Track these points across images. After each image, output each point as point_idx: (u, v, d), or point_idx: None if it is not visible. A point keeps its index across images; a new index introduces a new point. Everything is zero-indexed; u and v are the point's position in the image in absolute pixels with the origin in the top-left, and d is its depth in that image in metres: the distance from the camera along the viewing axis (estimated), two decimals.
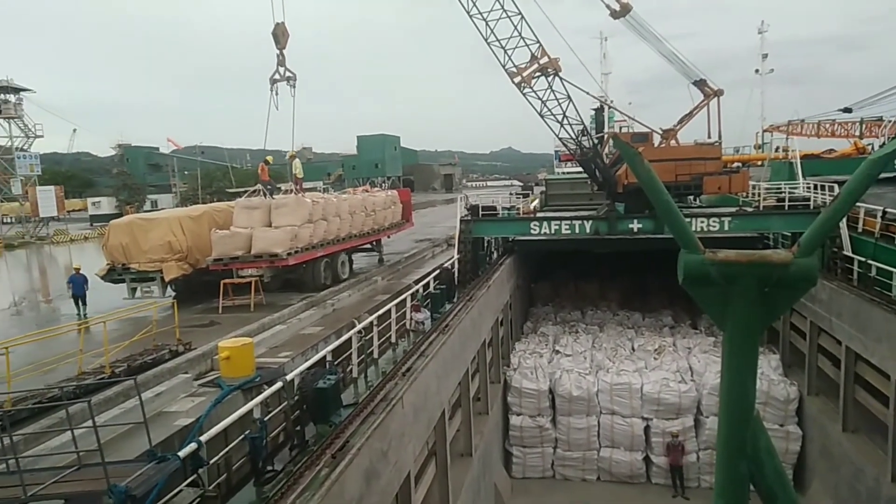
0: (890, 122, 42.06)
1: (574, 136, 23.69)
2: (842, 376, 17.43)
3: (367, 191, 30.15)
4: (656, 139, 26.85)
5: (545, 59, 22.91)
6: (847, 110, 44.91)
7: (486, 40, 22.61)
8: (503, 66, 22.91)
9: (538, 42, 22.83)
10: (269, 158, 24.83)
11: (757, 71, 59.99)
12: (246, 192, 23.75)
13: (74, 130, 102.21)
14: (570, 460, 21.65)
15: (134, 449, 8.43)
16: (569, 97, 23.30)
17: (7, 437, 7.40)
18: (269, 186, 23.36)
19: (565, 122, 23.34)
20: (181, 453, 6.96)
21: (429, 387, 12.35)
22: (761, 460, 3.55)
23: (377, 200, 26.94)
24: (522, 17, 22.44)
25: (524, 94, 23.15)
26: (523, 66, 22.97)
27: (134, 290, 19.41)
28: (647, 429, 21.11)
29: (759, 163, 46.92)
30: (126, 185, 79.55)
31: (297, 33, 21.94)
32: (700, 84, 27.27)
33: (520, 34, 22.56)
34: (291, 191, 24.16)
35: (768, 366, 21.22)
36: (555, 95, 23.12)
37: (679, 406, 20.79)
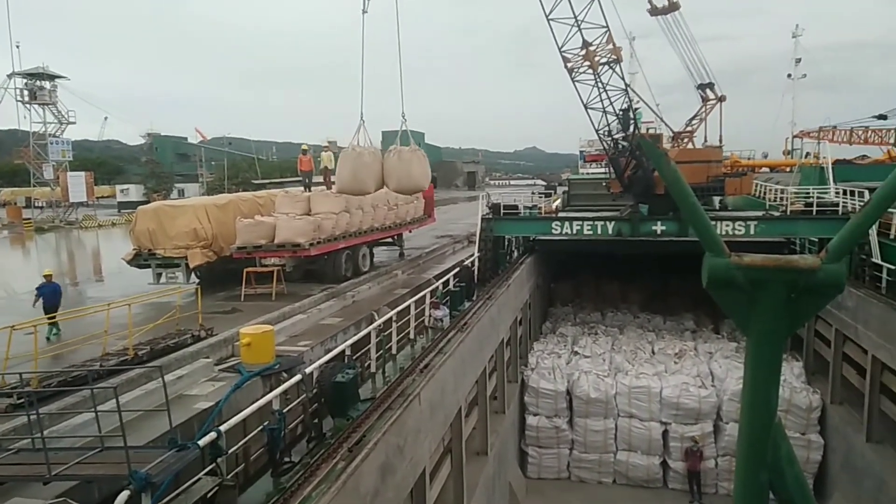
0: None
1: (619, 130, 22.94)
2: (867, 385, 17.12)
3: None
4: (665, 142, 26.73)
5: (610, 46, 21.82)
6: (882, 117, 43.72)
7: (547, 17, 21.16)
8: (559, 49, 21.70)
9: (607, 27, 21.54)
10: (305, 146, 24.39)
11: (789, 76, 58.78)
12: (270, 182, 23.83)
13: (105, 118, 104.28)
14: (586, 462, 21.54)
15: (154, 430, 8.57)
16: (626, 89, 22.31)
17: (34, 415, 7.55)
18: (308, 178, 23.40)
19: (615, 114, 22.47)
20: (201, 442, 6.98)
21: (446, 384, 12.36)
22: (782, 469, 3.49)
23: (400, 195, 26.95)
24: None
25: (574, 81, 22.12)
26: (593, 49, 21.54)
27: (159, 275, 19.70)
28: (665, 433, 20.94)
29: (788, 168, 46.09)
30: (154, 174, 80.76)
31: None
32: (704, 88, 26.91)
33: (578, 19, 21.19)
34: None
35: (791, 373, 20.89)
36: (602, 85, 22.06)
37: (699, 411, 20.58)
